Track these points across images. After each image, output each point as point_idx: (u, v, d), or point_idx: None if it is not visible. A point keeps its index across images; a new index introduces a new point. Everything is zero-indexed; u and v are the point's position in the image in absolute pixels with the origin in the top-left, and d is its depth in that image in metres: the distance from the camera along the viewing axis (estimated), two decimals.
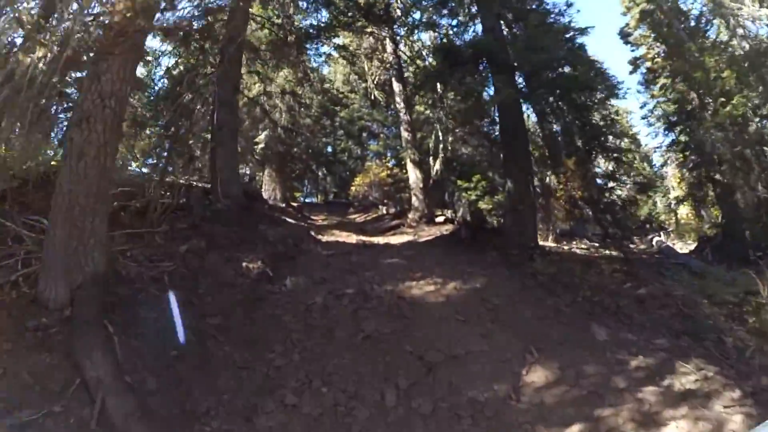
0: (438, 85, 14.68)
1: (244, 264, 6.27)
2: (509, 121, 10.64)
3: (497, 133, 17.50)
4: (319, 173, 33.39)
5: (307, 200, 30.35)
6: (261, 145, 12.95)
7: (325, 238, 10.55)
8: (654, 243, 18.06)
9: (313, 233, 10.65)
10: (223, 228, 8.66)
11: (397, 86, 15.11)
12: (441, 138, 15.29)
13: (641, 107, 19.35)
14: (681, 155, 19.46)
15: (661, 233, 22.19)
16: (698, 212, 23.91)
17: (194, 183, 11.26)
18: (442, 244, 9.82)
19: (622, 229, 11.22)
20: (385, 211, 17.99)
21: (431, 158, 15.99)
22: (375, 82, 16.41)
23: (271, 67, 11.78)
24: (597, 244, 15.66)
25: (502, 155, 10.66)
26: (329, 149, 31.04)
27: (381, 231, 12.74)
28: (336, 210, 22.83)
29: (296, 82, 12.13)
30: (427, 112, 18.87)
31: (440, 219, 13.72)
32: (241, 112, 13.59)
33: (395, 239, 11.18)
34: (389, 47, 15.95)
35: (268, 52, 11.63)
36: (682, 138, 18.06)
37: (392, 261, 7.61)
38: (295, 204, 17.58)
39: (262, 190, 16.14)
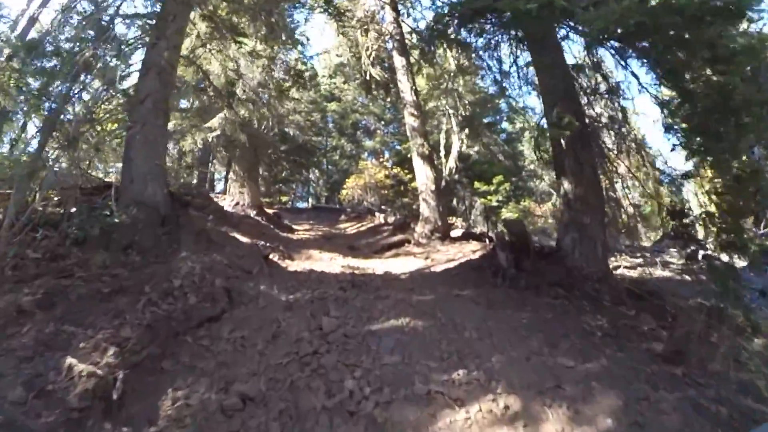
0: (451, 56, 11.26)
1: (69, 361, 2.78)
2: (559, 93, 7.34)
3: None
4: (309, 174, 29.91)
5: (298, 205, 26.87)
6: (216, 133, 9.48)
7: (294, 264, 7.05)
8: (701, 257, 14.77)
9: (278, 256, 7.14)
10: (110, 257, 5.21)
11: (399, 60, 11.70)
12: (455, 128, 11.86)
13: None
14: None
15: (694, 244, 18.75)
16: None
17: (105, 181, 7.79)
18: (472, 277, 6.36)
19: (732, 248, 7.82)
20: (382, 220, 14.50)
21: (443, 155, 12.54)
22: (371, 59, 12.93)
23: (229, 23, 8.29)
24: (640, 261, 12.41)
25: (563, 144, 7.19)
26: (321, 146, 27.58)
27: (378, 249, 9.26)
28: (324, 217, 19.33)
29: (263, 40, 8.66)
30: (435, 103, 15.52)
31: (456, 233, 10.26)
32: (199, 91, 10.09)
33: (399, 265, 7.69)
34: (389, 15, 12.56)
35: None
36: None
37: (400, 325, 4.11)
38: (271, 211, 14.06)
39: (227, 193, 12.59)
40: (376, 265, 7.67)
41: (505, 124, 28.70)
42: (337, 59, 25.65)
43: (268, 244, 7.26)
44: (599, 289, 6.51)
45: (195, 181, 23.21)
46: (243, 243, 6.63)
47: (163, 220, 6.48)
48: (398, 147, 22.77)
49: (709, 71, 5.77)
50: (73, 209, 6.07)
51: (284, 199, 26.51)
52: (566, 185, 7.62)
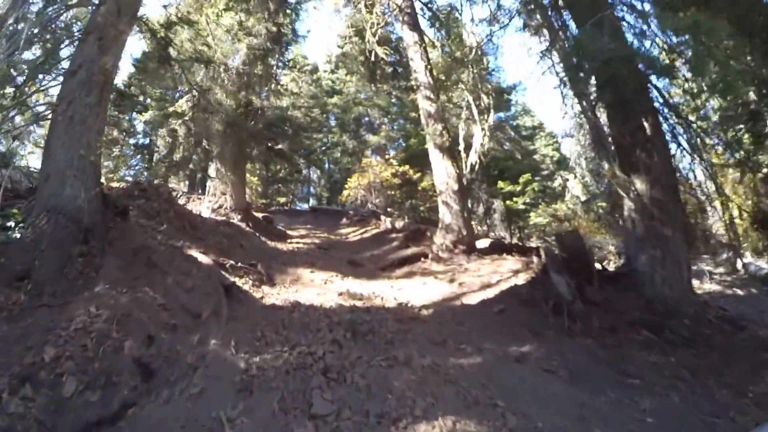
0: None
1: None
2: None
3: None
4: (310, 173, 28.01)
5: (297, 207, 24.94)
6: (183, 119, 7.62)
7: (275, 292, 5.16)
8: (740, 265, 12.86)
9: (251, 282, 5.25)
10: None
11: (410, 36, 9.84)
12: (476, 116, 9.93)
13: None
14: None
15: (731, 251, 16.74)
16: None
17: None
18: (525, 317, 4.48)
19: None
20: (389, 225, 12.59)
21: (462, 149, 10.58)
22: (377, 37, 11.05)
23: None
24: None
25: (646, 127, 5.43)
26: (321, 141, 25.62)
27: (387, 265, 7.35)
28: (324, 221, 17.41)
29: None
30: (449, 94, 13.54)
31: (482, 243, 8.34)
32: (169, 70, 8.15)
33: (416, 290, 5.78)
34: None
35: None
36: None
37: None
38: (260, 214, 12.19)
39: (208, 193, 10.71)
40: (384, 290, 5.77)
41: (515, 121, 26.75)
42: (338, 50, 23.83)
43: (240, 264, 5.36)
44: (693, 329, 4.75)
45: (187, 182, 21.37)
46: (202, 265, 4.76)
47: (85, 233, 4.60)
48: (404, 144, 20.87)
49: None
50: None
51: (282, 200, 24.66)
52: (639, 185, 5.79)
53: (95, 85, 5.35)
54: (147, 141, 21.84)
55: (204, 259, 4.96)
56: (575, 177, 23.37)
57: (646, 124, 5.99)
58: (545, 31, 15.48)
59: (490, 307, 4.73)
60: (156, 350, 3.14)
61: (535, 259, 5.90)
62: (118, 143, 21.11)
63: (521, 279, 5.58)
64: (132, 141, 21.97)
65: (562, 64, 10.49)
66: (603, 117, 7.20)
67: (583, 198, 21.09)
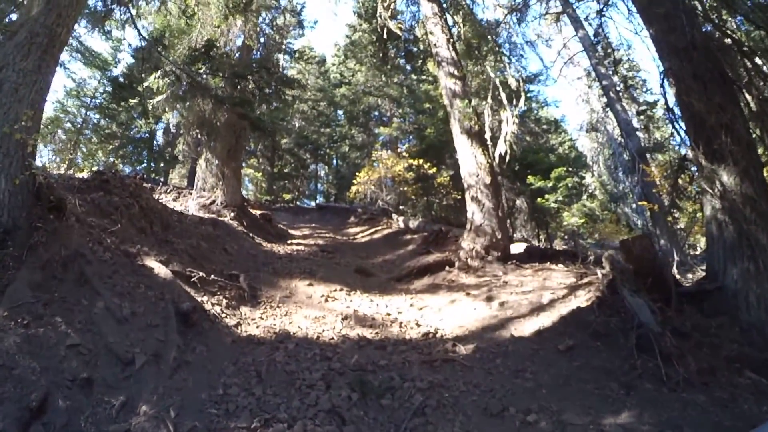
0: None
1: None
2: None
3: None
4: (317, 167, 26.77)
5: (304, 204, 23.71)
6: (159, 98, 6.38)
7: (257, 315, 3.88)
8: None
9: (225, 302, 3.97)
10: None
11: (428, 7, 8.50)
12: (504, 100, 8.54)
13: None
14: None
15: None
16: None
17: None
18: (601, 359, 3.17)
19: None
20: (402, 224, 11.27)
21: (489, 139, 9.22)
22: (390, 11, 9.74)
23: None
24: None
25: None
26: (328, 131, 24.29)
27: (403, 275, 6.04)
28: (330, 219, 16.15)
29: None
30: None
31: (516, 248, 6.98)
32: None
33: (443, 311, 4.44)
34: None
35: None
36: None
37: None
38: (258, 212, 10.95)
39: (196, 188, 9.47)
40: (403, 311, 4.46)
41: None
42: (347, 39, 22.52)
43: (213, 277, 4.08)
44: None
45: (187, 177, 20.26)
46: (156, 279, 3.50)
47: (2, 236, 3.36)
48: (414, 140, 19.42)
49: None
50: None
51: (287, 197, 23.43)
52: (726, 178, 4.41)
53: (36, 47, 4.15)
54: (146, 134, 20.81)
55: (162, 270, 3.68)
56: (592, 175, 21.80)
57: (749, 97, 4.61)
58: (566, 19, 13.95)
59: (552, 343, 3.40)
60: (41, 430, 1.88)
61: (599, 272, 4.54)
62: (116, 137, 20.13)
63: (582, 299, 4.23)
64: (133, 135, 20.90)
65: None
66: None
67: (600, 196, 19.55)
